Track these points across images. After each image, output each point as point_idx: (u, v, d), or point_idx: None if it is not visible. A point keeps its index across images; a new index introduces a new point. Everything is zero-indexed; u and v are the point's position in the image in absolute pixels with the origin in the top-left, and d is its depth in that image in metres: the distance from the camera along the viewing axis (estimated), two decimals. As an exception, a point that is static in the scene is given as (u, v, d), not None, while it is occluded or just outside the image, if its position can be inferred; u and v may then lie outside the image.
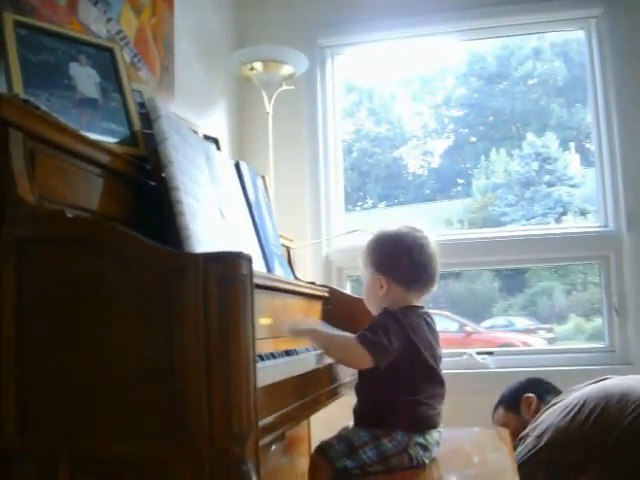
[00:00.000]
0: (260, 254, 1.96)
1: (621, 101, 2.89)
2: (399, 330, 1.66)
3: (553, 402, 2.08)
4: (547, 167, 6.72)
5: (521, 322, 5.61)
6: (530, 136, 6.32)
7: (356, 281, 3.27)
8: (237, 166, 2.05)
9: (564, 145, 6.46)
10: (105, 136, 1.57)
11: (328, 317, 2.34)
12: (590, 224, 3.07)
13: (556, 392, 2.22)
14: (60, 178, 1.30)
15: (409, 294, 1.76)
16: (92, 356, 1.09)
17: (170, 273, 1.07)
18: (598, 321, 5.25)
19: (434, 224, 6.64)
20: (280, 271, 2.07)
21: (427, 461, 1.66)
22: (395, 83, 5.61)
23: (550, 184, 6.77)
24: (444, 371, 2.79)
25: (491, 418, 2.36)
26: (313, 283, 2.56)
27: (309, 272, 2.87)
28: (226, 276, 1.05)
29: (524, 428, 2.07)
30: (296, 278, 2.32)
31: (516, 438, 2.06)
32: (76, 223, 1.15)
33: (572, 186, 6.68)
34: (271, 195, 2.83)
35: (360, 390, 1.74)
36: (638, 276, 2.78)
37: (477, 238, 3.10)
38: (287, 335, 1.70)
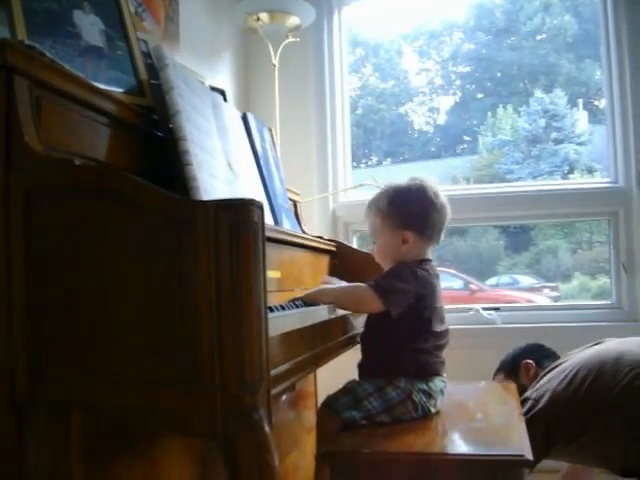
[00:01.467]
0: (268, 207, 1.95)
1: (634, 56, 2.84)
2: (414, 282, 1.67)
3: (551, 367, 2.09)
4: (554, 124, 6.67)
5: (526, 280, 5.62)
6: (538, 92, 6.25)
7: (362, 237, 3.26)
8: (244, 118, 2.03)
9: (572, 102, 6.40)
10: (111, 85, 1.54)
11: (335, 272, 2.34)
12: (600, 180, 3.04)
13: (555, 357, 2.22)
14: (67, 127, 1.28)
15: (426, 247, 1.77)
16: (102, 304, 1.08)
17: (181, 220, 1.06)
18: (603, 280, 5.27)
19: (440, 181, 6.61)
20: (287, 224, 2.06)
21: (433, 410, 1.68)
22: (401, 38, 5.53)
23: (557, 141, 6.72)
24: (451, 326, 2.83)
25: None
26: (320, 237, 2.55)
27: (316, 227, 2.86)
28: (237, 223, 1.04)
29: (523, 393, 2.08)
30: (303, 232, 2.31)
31: None
32: (86, 171, 1.14)
33: (579, 144, 6.63)
34: (278, 149, 2.81)
35: (365, 341, 1.75)
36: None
37: (484, 194, 3.08)
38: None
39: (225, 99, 2.23)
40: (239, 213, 1.05)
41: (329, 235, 3.04)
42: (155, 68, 1.57)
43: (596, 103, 6.61)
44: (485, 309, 2.86)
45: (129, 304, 1.07)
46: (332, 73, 3.16)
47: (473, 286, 4.92)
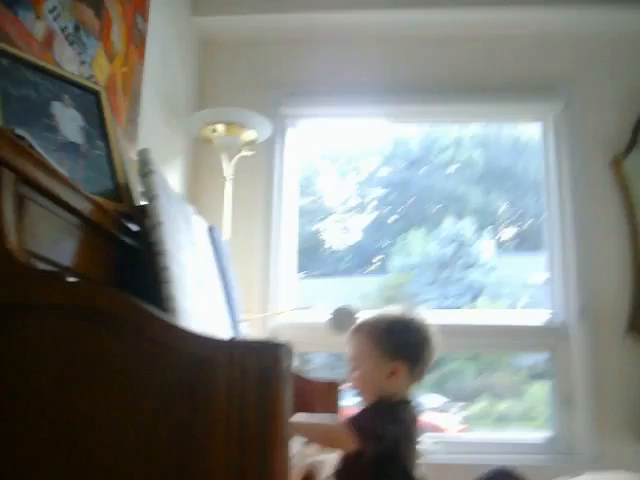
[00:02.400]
0: (231, 325, 1.78)
1: (575, 195, 2.91)
2: (392, 424, 1.52)
3: None
4: (462, 251, 6.83)
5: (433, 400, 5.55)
6: (448, 219, 6.43)
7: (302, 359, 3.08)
8: (210, 230, 1.87)
9: (480, 231, 6.59)
10: (87, 186, 1.36)
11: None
12: (539, 316, 3.03)
13: None
14: (49, 231, 1.10)
15: (410, 386, 1.62)
16: (89, 454, 0.86)
17: (198, 361, 0.88)
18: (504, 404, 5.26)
19: (349, 298, 6.57)
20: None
21: None
22: (321, 157, 5.58)
23: (465, 267, 6.87)
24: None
25: None
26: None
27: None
28: (266, 370, 0.87)
29: None
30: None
31: None
32: (81, 291, 0.94)
33: (486, 270, 6.80)
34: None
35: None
36: (586, 369, 2.74)
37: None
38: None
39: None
40: (268, 358, 0.88)
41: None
42: (138, 173, 1.41)
43: (501, 233, 6.85)
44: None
45: (124, 457, 0.86)
46: (280, 189, 3.07)
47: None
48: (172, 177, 2.78)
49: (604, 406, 2.69)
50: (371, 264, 6.76)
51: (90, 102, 1.50)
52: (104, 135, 1.48)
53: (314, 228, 5.99)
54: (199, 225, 1.77)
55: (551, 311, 2.96)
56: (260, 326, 2.81)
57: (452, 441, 2.81)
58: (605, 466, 2.61)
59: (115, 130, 1.52)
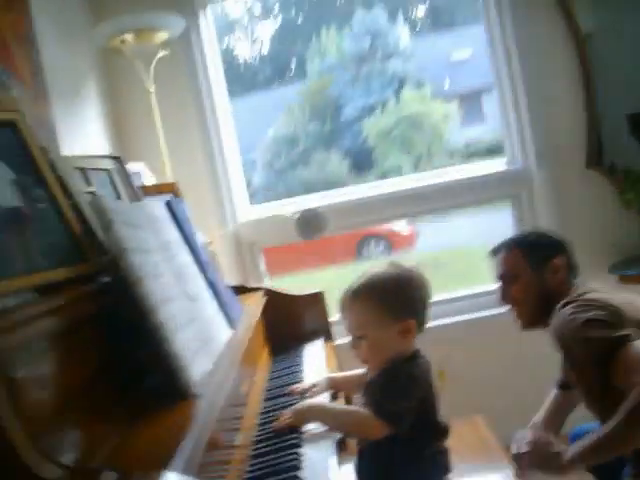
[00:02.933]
0: (218, 308, 1.66)
1: (526, 49, 2.72)
2: (415, 389, 1.47)
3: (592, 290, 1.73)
4: (379, 42, 6.55)
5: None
6: (359, 11, 6.07)
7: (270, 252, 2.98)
8: (168, 205, 1.67)
9: (392, 17, 6.28)
10: (45, 261, 1.15)
11: (272, 323, 2.10)
12: (499, 163, 2.95)
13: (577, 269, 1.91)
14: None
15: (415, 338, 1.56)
16: None
17: None
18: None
19: (275, 111, 6.33)
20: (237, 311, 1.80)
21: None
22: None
23: (384, 58, 6.63)
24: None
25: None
26: (243, 287, 2.28)
27: (219, 253, 2.53)
28: None
29: (540, 289, 1.79)
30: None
31: (522, 294, 1.82)
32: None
33: (405, 58, 6.59)
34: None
35: (364, 452, 1.54)
36: (550, 212, 2.74)
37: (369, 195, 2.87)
38: (286, 420, 1.45)
39: (122, 164, 1.85)
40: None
41: (235, 258, 2.75)
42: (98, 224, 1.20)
43: (414, 14, 6.55)
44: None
45: None
46: (208, 80, 2.74)
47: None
48: (91, 101, 2.44)
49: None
50: (289, 71, 6.45)
51: (8, 138, 1.21)
52: (39, 176, 1.22)
53: (223, 46, 5.56)
54: (158, 210, 1.57)
55: (508, 159, 2.89)
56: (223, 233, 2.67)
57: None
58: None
59: (47, 160, 1.25)
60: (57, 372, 0.99)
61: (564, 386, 1.89)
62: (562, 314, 1.66)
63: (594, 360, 1.54)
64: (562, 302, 1.69)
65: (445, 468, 1.54)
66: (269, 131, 6.29)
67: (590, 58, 2.68)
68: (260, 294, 2.20)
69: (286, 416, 1.46)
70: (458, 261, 6.12)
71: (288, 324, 2.25)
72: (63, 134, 2.00)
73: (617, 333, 1.52)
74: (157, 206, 1.57)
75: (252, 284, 2.57)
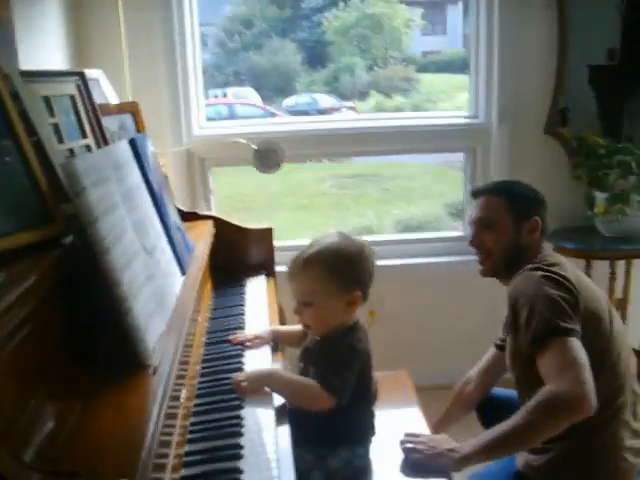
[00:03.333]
0: (172, 254, 1.65)
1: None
2: (357, 361, 1.53)
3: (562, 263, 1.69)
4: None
5: (325, 100, 5.56)
6: None
7: (221, 173, 2.92)
8: (132, 142, 1.61)
9: None
10: (8, 223, 1.10)
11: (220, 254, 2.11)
12: (459, 115, 2.93)
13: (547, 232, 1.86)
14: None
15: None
16: None
17: None
18: (399, 99, 5.35)
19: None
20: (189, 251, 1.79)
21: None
22: None
23: None
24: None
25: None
26: (195, 214, 2.26)
27: (170, 169, 2.48)
28: None
29: (513, 243, 1.74)
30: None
31: (495, 243, 1.76)
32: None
33: None
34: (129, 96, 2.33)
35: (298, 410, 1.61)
36: (503, 169, 2.78)
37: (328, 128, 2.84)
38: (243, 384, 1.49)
39: (85, 81, 1.76)
40: None
41: (186, 174, 2.70)
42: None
43: None
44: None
45: None
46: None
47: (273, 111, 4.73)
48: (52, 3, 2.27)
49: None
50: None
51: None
52: (7, 126, 1.15)
53: None
54: (123, 153, 1.52)
55: (470, 113, 2.88)
56: (175, 144, 2.60)
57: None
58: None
59: (16, 108, 1.18)
60: (15, 346, 0.98)
61: (501, 347, 1.89)
62: (531, 278, 1.63)
63: (532, 336, 1.56)
64: (532, 265, 1.66)
65: (372, 429, 1.64)
66: (226, 8, 5.97)
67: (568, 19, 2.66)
68: (210, 224, 2.18)
69: (243, 378, 1.48)
70: (400, 177, 6.15)
71: (233, 255, 2.25)
72: (22, 36, 1.87)
73: (565, 324, 1.53)
74: (123, 149, 1.51)
75: (201, 205, 2.55)
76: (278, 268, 2.23)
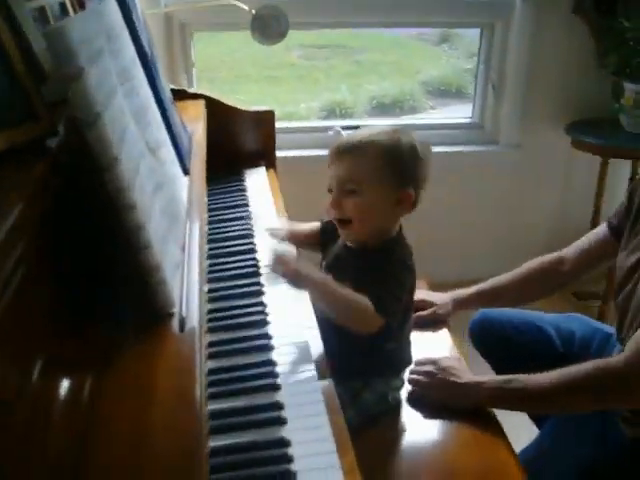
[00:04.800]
0: (172, 146, 1.28)
1: None
2: (409, 280, 1.28)
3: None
4: None
5: None
6: None
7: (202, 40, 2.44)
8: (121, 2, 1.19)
9: None
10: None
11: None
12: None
13: None
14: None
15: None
16: None
17: None
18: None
19: None
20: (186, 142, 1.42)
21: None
22: None
23: None
24: (307, 152, 2.39)
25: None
26: (184, 92, 1.85)
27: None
28: None
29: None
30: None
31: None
32: None
33: None
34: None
35: (332, 339, 1.32)
36: (523, 51, 2.41)
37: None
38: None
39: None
40: None
41: (164, 40, 2.24)
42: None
43: None
44: (345, 128, 2.41)
45: None
46: None
47: None
48: None
49: (534, 93, 2.47)
50: None
51: None
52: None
53: None
54: (112, 13, 1.10)
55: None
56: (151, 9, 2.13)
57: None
58: (525, 154, 2.53)
59: None
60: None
61: (617, 231, 1.44)
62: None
63: None
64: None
65: (409, 358, 1.39)
66: None
67: None
68: (201, 105, 1.79)
69: (284, 266, 1.16)
70: (371, 48, 5.67)
71: (227, 143, 1.88)
72: None
73: None
74: (112, 11, 1.09)
75: (180, 79, 2.13)
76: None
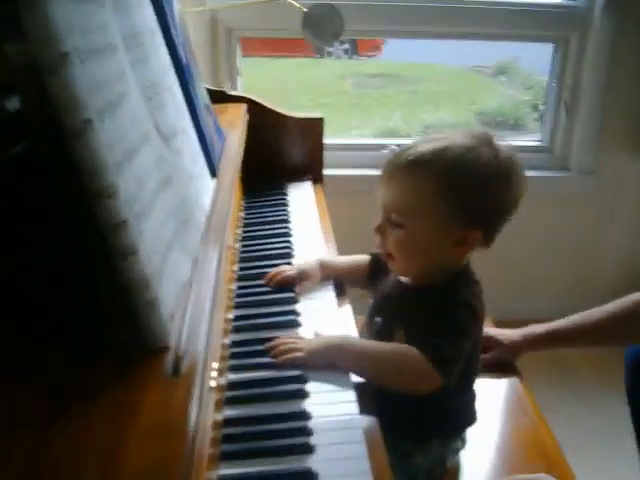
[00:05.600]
0: (199, 145, 1.03)
1: None
2: (474, 328, 0.97)
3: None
4: None
5: None
6: None
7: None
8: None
9: None
10: None
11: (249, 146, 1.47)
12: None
13: None
14: None
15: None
16: None
17: None
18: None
19: None
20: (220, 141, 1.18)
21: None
22: None
23: None
24: (358, 171, 2.14)
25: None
26: (223, 93, 1.62)
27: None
28: None
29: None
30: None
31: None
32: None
33: None
34: None
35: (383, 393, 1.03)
36: (600, 67, 2.12)
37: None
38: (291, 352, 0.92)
39: None
40: None
41: (209, 45, 2.03)
42: None
43: None
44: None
45: None
46: None
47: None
48: None
49: (611, 114, 2.16)
50: None
51: None
52: None
53: None
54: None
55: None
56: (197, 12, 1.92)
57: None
58: (599, 182, 2.22)
59: None
60: None
61: None
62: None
63: None
64: None
65: (473, 415, 1.09)
66: None
67: None
68: (243, 109, 1.55)
69: (291, 345, 0.91)
70: (426, 79, 5.43)
71: (269, 152, 1.64)
72: None
73: None
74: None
75: (225, 88, 1.90)
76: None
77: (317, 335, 0.97)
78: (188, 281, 0.71)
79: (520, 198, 0.97)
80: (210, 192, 1.00)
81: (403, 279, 1.04)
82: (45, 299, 0.56)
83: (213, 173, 1.07)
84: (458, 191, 0.92)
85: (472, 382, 1.06)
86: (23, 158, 0.57)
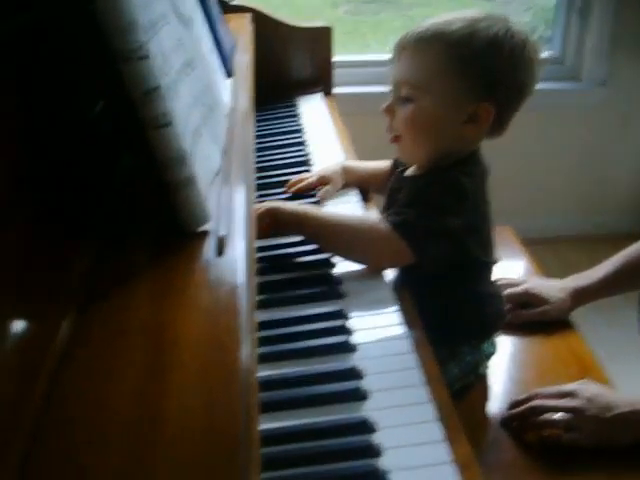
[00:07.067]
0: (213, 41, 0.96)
1: None
2: (464, 210, 0.89)
3: None
4: None
5: None
6: None
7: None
8: None
9: None
10: None
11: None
12: None
13: None
14: None
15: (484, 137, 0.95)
16: None
17: None
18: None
19: None
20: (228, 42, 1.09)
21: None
22: None
23: None
24: (368, 89, 2.04)
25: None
26: (224, 3, 1.51)
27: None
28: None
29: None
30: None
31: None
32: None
33: None
34: None
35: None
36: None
37: None
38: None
39: None
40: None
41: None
42: None
43: None
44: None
45: None
46: None
47: None
48: None
49: (625, 19, 2.06)
50: None
51: None
52: None
53: None
54: None
55: None
56: None
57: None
58: (611, 92, 2.13)
59: None
60: None
61: None
62: None
63: None
64: None
65: (502, 313, 1.03)
66: None
67: None
68: (247, 18, 1.46)
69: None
70: (421, 4, 5.24)
71: (275, 64, 1.55)
72: None
73: None
74: None
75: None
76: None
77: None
78: (219, 168, 0.65)
79: (535, 79, 0.91)
80: (228, 90, 0.92)
81: (410, 172, 0.98)
82: (83, 182, 0.50)
83: (228, 74, 1.00)
84: (465, 59, 0.87)
85: (489, 272, 0.99)
86: (52, 23, 0.50)
